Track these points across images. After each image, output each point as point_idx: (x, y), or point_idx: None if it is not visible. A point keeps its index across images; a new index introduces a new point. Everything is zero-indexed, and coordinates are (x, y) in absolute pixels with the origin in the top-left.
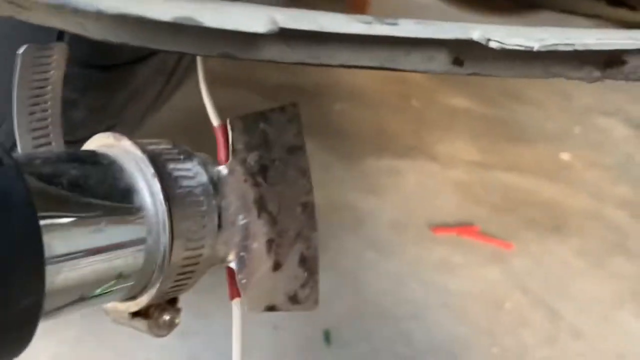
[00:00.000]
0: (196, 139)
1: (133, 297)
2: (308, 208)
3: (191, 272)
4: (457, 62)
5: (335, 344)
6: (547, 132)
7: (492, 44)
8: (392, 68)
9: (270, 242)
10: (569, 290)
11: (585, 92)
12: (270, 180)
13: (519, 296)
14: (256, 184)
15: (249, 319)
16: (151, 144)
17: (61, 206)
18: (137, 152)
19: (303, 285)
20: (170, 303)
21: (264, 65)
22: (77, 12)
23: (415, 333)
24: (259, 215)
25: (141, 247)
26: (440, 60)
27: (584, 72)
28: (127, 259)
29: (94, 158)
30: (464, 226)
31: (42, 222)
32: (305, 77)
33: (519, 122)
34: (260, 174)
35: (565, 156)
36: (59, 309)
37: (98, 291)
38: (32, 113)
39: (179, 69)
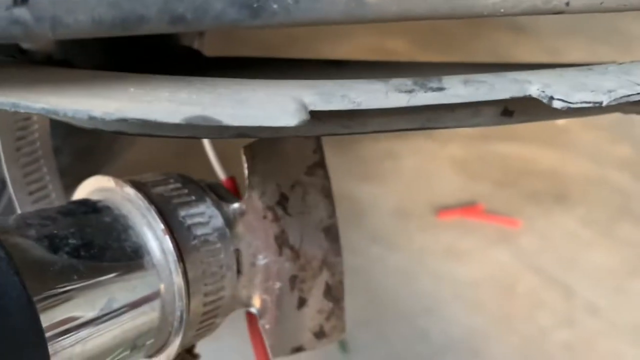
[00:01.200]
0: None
1: (156, 352)
2: (331, 232)
3: (211, 320)
4: (507, 113)
5: (353, 351)
6: None
7: (557, 104)
8: (434, 127)
9: (293, 279)
10: (580, 263)
11: (575, 46)
12: (290, 210)
13: (530, 277)
14: (276, 218)
15: None
16: (157, 184)
17: (66, 277)
18: (144, 203)
19: (329, 317)
20: (188, 351)
21: (238, 48)
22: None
23: (432, 329)
24: (280, 252)
25: (156, 305)
26: (488, 114)
27: None
28: (142, 320)
29: (97, 216)
30: (467, 206)
31: (48, 296)
32: (281, 55)
33: None
34: (279, 205)
35: (560, 120)
36: None
37: (115, 357)
38: (24, 165)
39: None
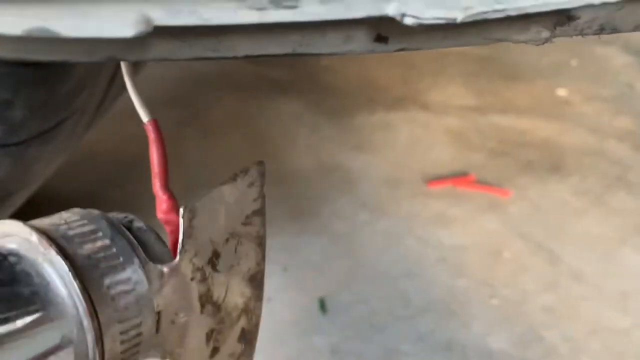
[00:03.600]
0: (185, 113)
1: None
2: (257, 278)
3: None
4: (381, 39)
5: (332, 311)
6: (543, 67)
7: (408, 20)
8: (307, 53)
9: (210, 333)
10: (569, 231)
11: None
12: (220, 266)
13: (517, 243)
14: (204, 278)
15: None
16: (84, 240)
17: None
18: (67, 276)
19: (238, 358)
20: None
21: None
22: None
23: (413, 291)
24: (202, 310)
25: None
26: (361, 39)
27: (530, 33)
28: None
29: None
30: (459, 176)
31: None
32: None
33: (512, 60)
34: (209, 264)
35: (562, 92)
36: None
37: None
38: None
39: None
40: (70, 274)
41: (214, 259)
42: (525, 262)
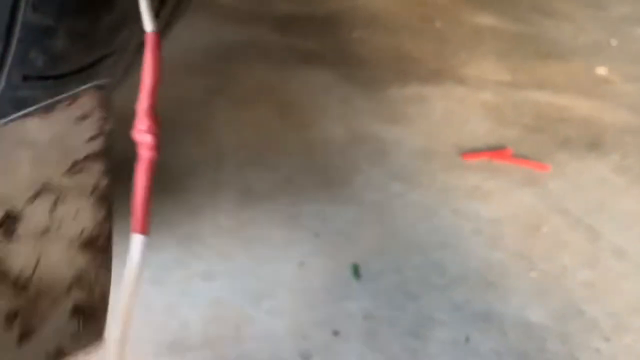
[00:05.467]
0: (215, 82)
1: None
2: (98, 242)
3: None
4: None
5: (365, 277)
6: (581, 46)
7: None
8: None
9: (13, 315)
10: (610, 208)
11: (621, 1)
12: (22, 230)
13: (556, 218)
14: None
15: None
16: None
17: None
18: None
19: (74, 336)
20: None
21: None
22: None
23: (447, 261)
24: None
25: None
26: None
27: None
28: None
29: None
30: (496, 150)
31: None
32: (318, 6)
33: (550, 38)
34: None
35: (601, 70)
36: None
37: None
38: None
39: None
40: None
41: (9, 223)
42: (564, 237)
